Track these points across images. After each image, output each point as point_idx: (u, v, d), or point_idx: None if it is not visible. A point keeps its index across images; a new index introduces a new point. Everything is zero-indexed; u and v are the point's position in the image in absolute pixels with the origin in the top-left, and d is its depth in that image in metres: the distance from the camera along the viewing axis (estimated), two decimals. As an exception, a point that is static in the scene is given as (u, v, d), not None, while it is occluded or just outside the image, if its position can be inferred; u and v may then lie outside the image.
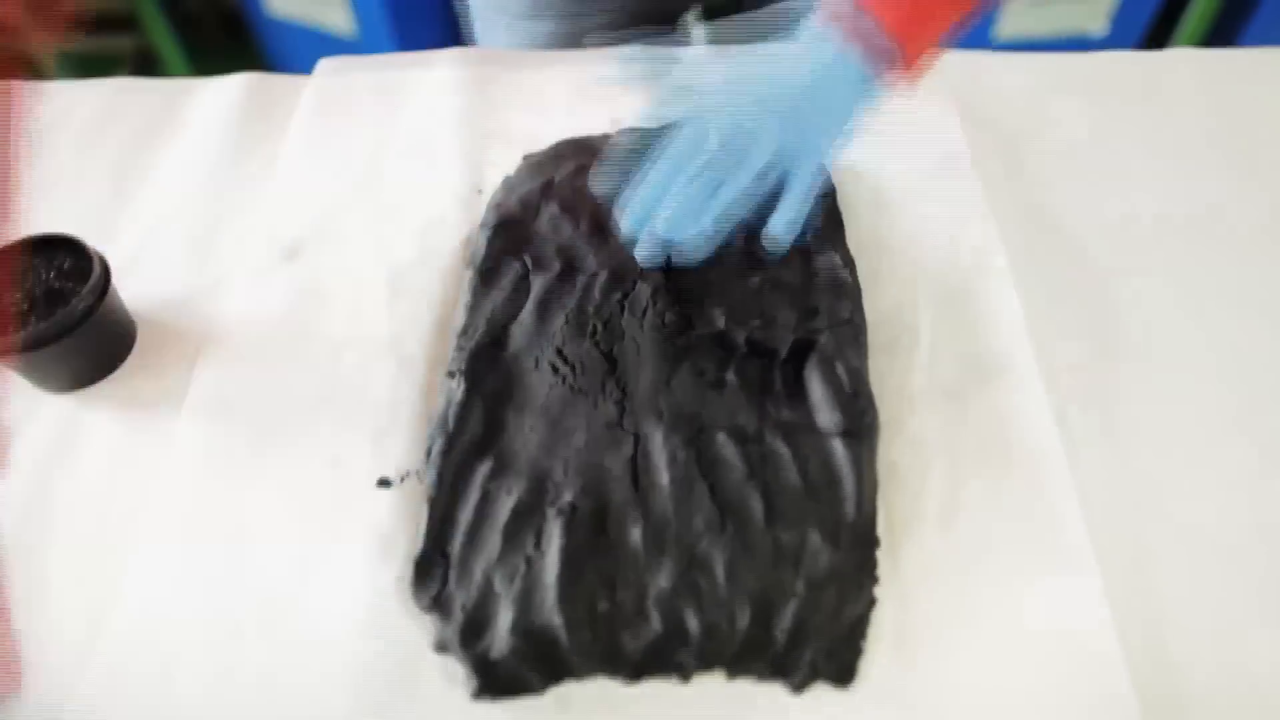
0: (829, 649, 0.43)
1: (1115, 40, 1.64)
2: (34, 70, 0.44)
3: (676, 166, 0.51)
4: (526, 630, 0.43)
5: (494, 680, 0.43)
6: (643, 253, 0.52)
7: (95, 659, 0.45)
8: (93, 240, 0.53)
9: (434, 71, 0.71)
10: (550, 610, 0.43)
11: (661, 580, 0.44)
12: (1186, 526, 0.48)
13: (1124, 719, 0.42)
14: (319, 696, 0.43)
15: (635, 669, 0.43)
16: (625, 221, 0.52)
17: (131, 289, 0.57)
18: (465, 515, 0.47)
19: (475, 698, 0.42)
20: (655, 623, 0.43)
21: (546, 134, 0.65)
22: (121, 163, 0.67)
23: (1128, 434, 0.51)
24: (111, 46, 1.72)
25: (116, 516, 0.50)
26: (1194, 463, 0.50)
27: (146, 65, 1.71)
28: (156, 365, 0.56)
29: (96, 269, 0.53)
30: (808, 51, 0.52)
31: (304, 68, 0.73)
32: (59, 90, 0.72)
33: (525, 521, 0.46)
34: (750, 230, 0.52)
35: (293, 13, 1.66)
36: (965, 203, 0.61)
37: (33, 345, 0.51)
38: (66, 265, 0.53)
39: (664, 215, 0.50)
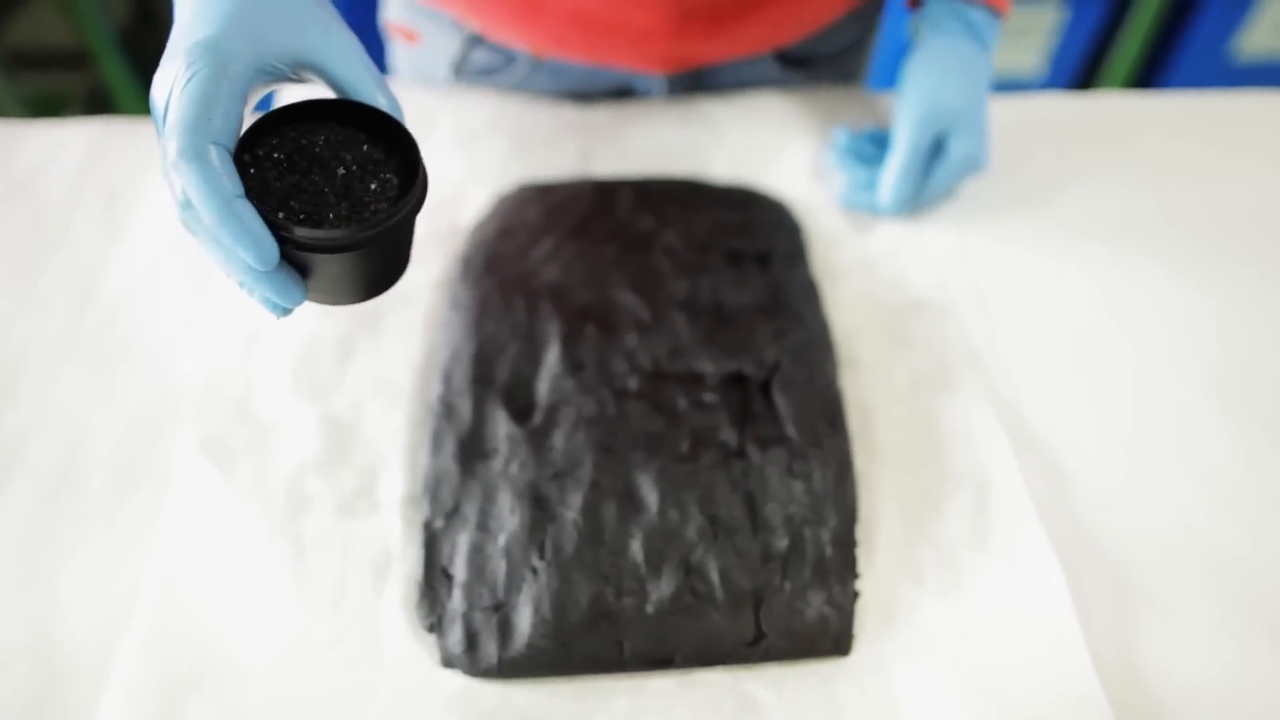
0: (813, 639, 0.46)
1: (1052, 81, 1.72)
2: None
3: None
4: (531, 643, 0.45)
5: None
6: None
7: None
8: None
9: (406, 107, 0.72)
10: (554, 623, 0.46)
11: (662, 587, 0.47)
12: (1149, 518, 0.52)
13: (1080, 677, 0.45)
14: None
15: (636, 666, 0.46)
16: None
17: (127, 320, 0.58)
18: (464, 537, 0.49)
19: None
20: (657, 626, 0.46)
21: (516, 173, 0.67)
22: (114, 200, 0.67)
23: (1072, 439, 0.56)
24: (63, 85, 1.69)
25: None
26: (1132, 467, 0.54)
27: (99, 104, 1.66)
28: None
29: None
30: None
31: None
32: (45, 130, 0.72)
33: (526, 539, 0.48)
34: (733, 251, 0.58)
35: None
36: (913, 237, 0.65)
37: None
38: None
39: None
